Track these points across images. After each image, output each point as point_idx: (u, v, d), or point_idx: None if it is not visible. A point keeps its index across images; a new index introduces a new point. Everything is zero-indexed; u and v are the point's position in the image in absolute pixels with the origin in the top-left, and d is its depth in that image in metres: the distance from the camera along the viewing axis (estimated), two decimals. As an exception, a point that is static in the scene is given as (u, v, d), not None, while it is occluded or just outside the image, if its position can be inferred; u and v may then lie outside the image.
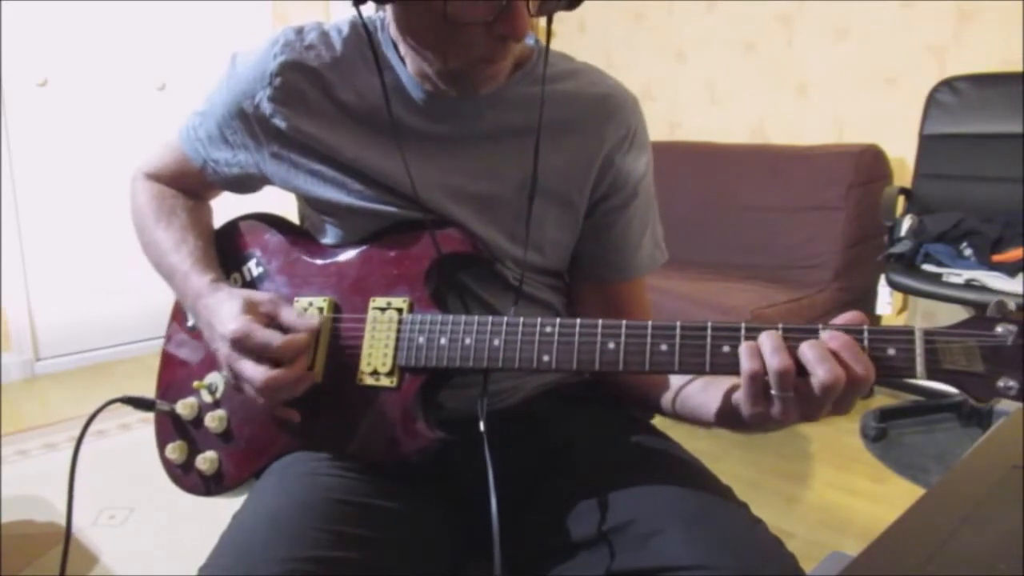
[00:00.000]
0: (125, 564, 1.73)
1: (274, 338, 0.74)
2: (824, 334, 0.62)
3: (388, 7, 0.75)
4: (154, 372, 0.95)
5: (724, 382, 0.74)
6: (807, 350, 0.61)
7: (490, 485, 0.71)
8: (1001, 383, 0.59)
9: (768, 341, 0.63)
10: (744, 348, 0.64)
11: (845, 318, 0.65)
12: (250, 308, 0.77)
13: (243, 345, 0.74)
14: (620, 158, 0.87)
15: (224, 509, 0.79)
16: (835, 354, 0.61)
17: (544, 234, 0.87)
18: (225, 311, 0.77)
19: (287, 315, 0.78)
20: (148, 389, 0.94)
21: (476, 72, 0.75)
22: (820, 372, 0.60)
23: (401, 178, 0.81)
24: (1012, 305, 0.59)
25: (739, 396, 0.67)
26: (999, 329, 0.59)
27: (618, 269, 0.91)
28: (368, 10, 0.77)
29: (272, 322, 0.77)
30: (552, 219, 0.87)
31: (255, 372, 0.74)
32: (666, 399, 0.84)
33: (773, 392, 0.63)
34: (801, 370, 0.62)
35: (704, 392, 0.78)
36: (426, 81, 0.80)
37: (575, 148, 0.85)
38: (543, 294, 0.91)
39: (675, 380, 0.83)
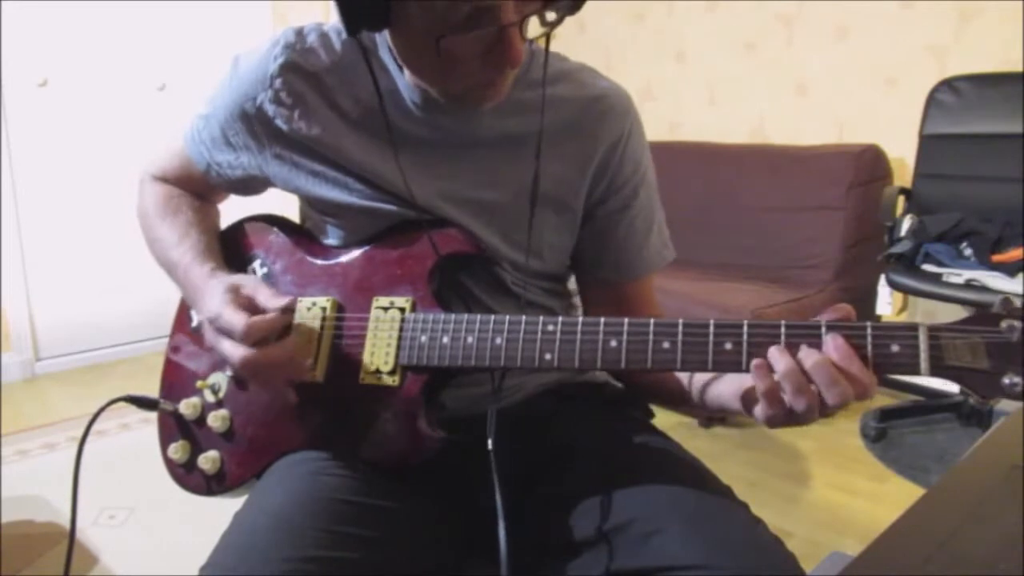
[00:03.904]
0: (125, 564, 1.73)
1: (238, 320, 0.74)
2: (828, 342, 0.63)
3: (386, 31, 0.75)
4: (154, 372, 0.95)
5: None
6: (815, 373, 0.62)
7: (496, 488, 0.71)
8: (1006, 380, 0.58)
9: (789, 384, 0.63)
10: (763, 390, 0.64)
11: (832, 312, 0.65)
12: (231, 290, 0.78)
13: (216, 326, 0.76)
14: (615, 160, 0.87)
15: (225, 509, 0.79)
16: (838, 367, 0.62)
17: (543, 239, 0.87)
18: (212, 294, 0.79)
19: (262, 296, 0.78)
20: (148, 389, 0.94)
21: (475, 95, 0.76)
22: (830, 397, 0.62)
23: (400, 183, 0.82)
24: (1017, 302, 0.59)
25: (756, 412, 0.68)
26: (1004, 325, 0.59)
27: (624, 270, 0.91)
28: None
29: (251, 304, 0.78)
30: (550, 224, 0.87)
31: (232, 351, 0.75)
32: (692, 389, 0.83)
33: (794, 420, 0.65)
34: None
35: (730, 382, 0.77)
36: (424, 90, 0.80)
37: (570, 152, 0.85)
38: (541, 299, 0.91)
39: (697, 376, 0.83)
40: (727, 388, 0.76)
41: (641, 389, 0.93)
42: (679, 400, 0.86)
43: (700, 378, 0.82)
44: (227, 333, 0.75)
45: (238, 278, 0.81)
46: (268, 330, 0.76)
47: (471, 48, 0.69)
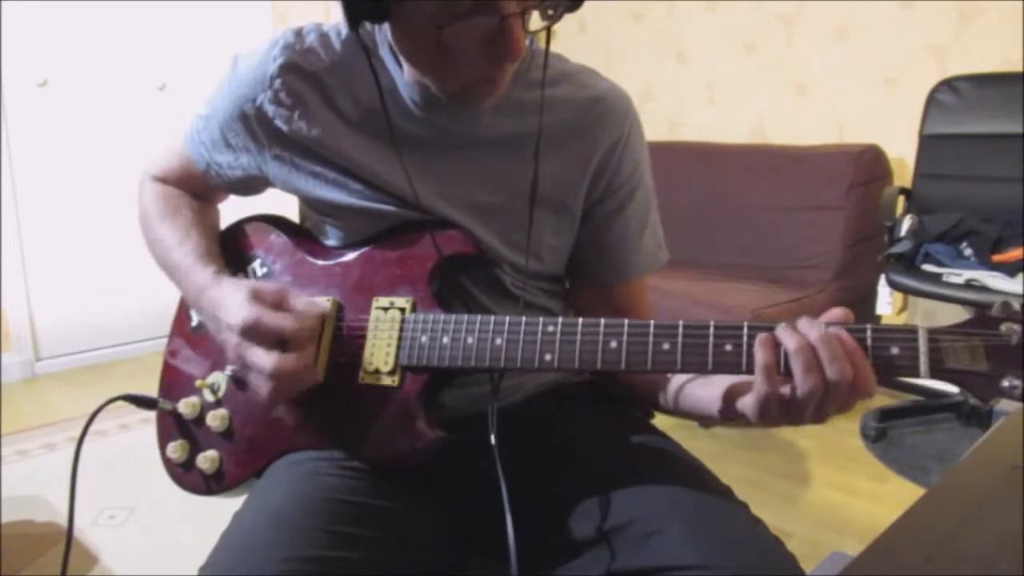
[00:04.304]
0: (125, 564, 1.73)
1: (286, 322, 0.74)
2: (831, 332, 0.62)
3: (386, 25, 0.75)
4: (154, 372, 0.95)
5: (724, 379, 0.74)
6: (821, 347, 0.61)
7: (500, 481, 0.71)
8: (1005, 383, 0.59)
9: (799, 361, 0.61)
10: (761, 364, 0.63)
11: (831, 315, 0.64)
12: (257, 296, 0.76)
13: (253, 333, 0.74)
14: (614, 161, 0.87)
15: (224, 509, 0.79)
16: (842, 343, 0.61)
17: (542, 240, 0.87)
18: (232, 301, 0.77)
19: (295, 302, 0.77)
20: (148, 389, 0.94)
21: (474, 91, 0.76)
22: (832, 371, 0.61)
23: (401, 184, 0.82)
24: (1017, 305, 0.59)
25: (745, 402, 0.67)
26: (1004, 328, 0.59)
27: (617, 271, 0.91)
28: None
29: (280, 309, 0.77)
30: (549, 225, 0.87)
31: (266, 359, 0.73)
32: (667, 393, 0.83)
33: (797, 402, 0.63)
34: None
35: (707, 386, 0.77)
36: (424, 88, 0.80)
37: (570, 153, 0.85)
38: (541, 300, 0.91)
39: (676, 377, 0.83)
40: (706, 392, 0.76)
41: (621, 391, 0.92)
42: (649, 403, 0.87)
43: (675, 383, 0.81)
44: (265, 338, 0.74)
45: (254, 283, 0.79)
46: (312, 335, 0.75)
47: (471, 40, 0.69)
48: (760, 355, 0.63)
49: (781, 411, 0.65)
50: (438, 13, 0.67)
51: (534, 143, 0.82)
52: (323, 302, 0.82)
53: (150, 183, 0.97)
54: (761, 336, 0.64)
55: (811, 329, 0.62)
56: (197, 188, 0.95)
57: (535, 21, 0.71)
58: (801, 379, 0.62)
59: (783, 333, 0.63)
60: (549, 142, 0.83)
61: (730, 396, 0.72)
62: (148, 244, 0.94)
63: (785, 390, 0.64)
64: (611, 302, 0.92)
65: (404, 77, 0.81)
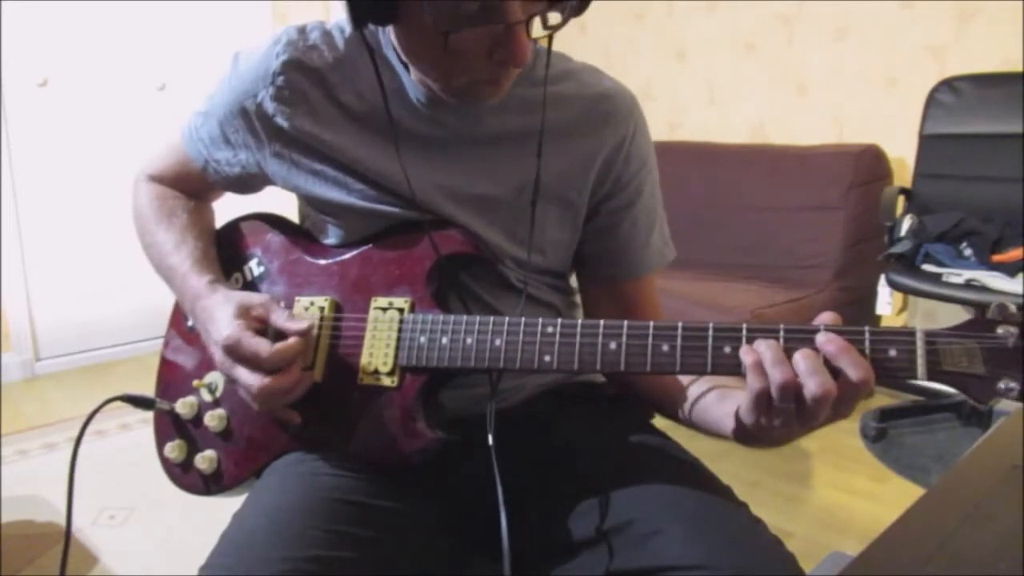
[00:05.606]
0: (125, 564, 1.73)
1: (263, 348, 0.73)
2: (820, 338, 0.62)
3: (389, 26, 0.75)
4: (154, 372, 0.95)
5: (740, 395, 0.73)
6: (800, 360, 0.61)
7: (499, 492, 0.71)
8: (1002, 384, 0.59)
9: (769, 353, 0.62)
10: (749, 362, 0.63)
11: (822, 319, 0.64)
12: (242, 313, 0.77)
13: (235, 353, 0.74)
14: (620, 158, 0.87)
15: (224, 509, 0.79)
16: (832, 359, 0.61)
17: (545, 235, 0.87)
18: (220, 316, 0.77)
19: (278, 318, 0.77)
20: (148, 389, 0.93)
21: (477, 90, 0.76)
22: (811, 384, 0.60)
23: (401, 180, 0.81)
24: (1013, 307, 0.59)
25: (744, 406, 0.67)
26: (1000, 331, 0.59)
27: (627, 268, 0.91)
28: None
29: (265, 326, 0.77)
30: (552, 220, 0.87)
31: (250, 379, 0.74)
32: (683, 408, 0.83)
33: (775, 403, 0.62)
34: None
35: (721, 405, 0.77)
36: (428, 87, 0.80)
37: (574, 150, 0.85)
38: (545, 294, 0.91)
39: (692, 390, 0.82)
40: (721, 408, 0.75)
41: (634, 396, 0.92)
42: (667, 413, 0.86)
43: (693, 395, 0.81)
44: (246, 359, 0.74)
45: (243, 297, 0.80)
46: (292, 357, 0.75)
47: (477, 45, 0.70)
48: (748, 358, 0.63)
49: (770, 412, 0.64)
50: (444, 18, 0.67)
51: (538, 139, 0.82)
52: (318, 305, 0.81)
53: (145, 183, 0.97)
54: (744, 347, 0.64)
55: (797, 351, 0.62)
56: (194, 186, 0.95)
57: (537, 28, 0.71)
58: (772, 370, 0.61)
59: (759, 343, 0.63)
60: (553, 138, 0.83)
61: (738, 413, 0.71)
62: (144, 247, 0.94)
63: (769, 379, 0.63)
64: (621, 299, 0.92)
65: (410, 75, 0.81)
